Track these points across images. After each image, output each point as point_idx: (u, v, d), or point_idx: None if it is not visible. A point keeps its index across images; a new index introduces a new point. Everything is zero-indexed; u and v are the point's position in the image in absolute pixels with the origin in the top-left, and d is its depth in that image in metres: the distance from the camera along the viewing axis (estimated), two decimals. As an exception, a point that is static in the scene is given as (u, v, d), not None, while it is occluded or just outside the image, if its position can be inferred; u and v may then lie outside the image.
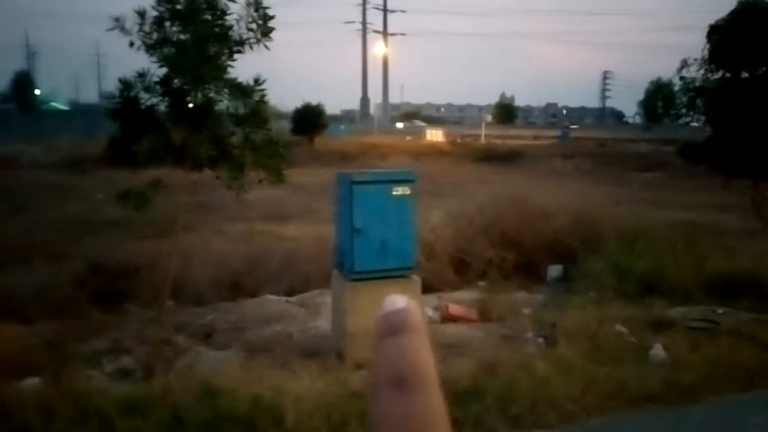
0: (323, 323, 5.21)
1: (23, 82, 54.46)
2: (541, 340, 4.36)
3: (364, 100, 58.51)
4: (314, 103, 29.87)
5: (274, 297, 6.34)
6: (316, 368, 3.92)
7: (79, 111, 44.65)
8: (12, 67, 63.70)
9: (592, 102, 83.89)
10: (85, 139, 26.28)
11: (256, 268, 7.26)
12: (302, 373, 3.75)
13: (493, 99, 69.64)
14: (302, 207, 11.51)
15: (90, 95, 65.81)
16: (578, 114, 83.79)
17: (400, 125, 47.62)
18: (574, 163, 21.62)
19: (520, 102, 72.57)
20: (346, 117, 58.57)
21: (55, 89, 63.96)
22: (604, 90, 79.89)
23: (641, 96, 53.29)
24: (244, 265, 7.30)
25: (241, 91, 4.74)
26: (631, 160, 24.03)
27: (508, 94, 69.59)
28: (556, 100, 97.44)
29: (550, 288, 5.92)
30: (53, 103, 53.95)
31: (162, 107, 4.67)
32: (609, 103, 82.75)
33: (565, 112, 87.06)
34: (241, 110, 4.81)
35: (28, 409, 3.10)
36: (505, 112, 64.22)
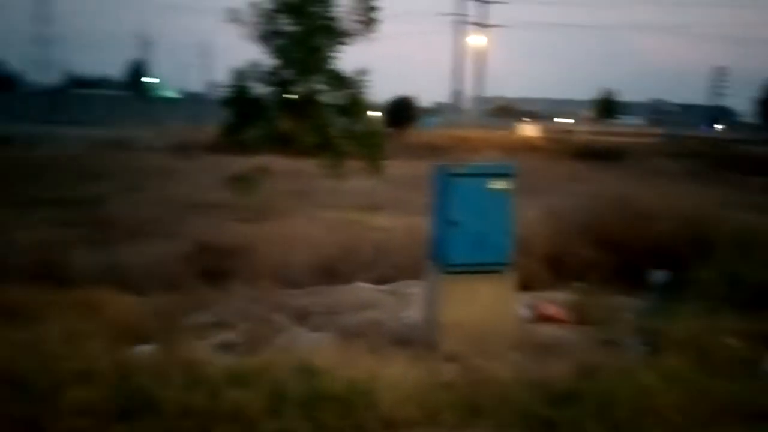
0: (414, 313, 5.25)
1: (138, 70, 58.62)
2: (643, 347, 4.17)
3: (457, 93, 58.01)
4: (407, 95, 30.04)
5: (365, 284, 6.47)
6: (407, 357, 3.97)
7: (188, 99, 47.53)
8: (129, 57, 68.92)
9: (703, 99, 78.22)
10: (192, 125, 28.03)
11: (348, 255, 7.44)
12: (394, 361, 3.81)
13: (593, 93, 66.71)
14: (393, 198, 11.60)
15: (198, 84, 69.87)
16: (687, 112, 78.50)
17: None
18: (681, 163, 20.35)
19: (622, 97, 68.76)
20: (438, 110, 58.29)
21: (167, 78, 68.49)
22: (716, 87, 74.37)
23: (757, 94, 49.19)
24: (336, 252, 7.50)
25: (344, 82, 4.87)
26: (745, 161, 22.30)
27: (610, 89, 66.30)
28: (663, 95, 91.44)
29: (653, 294, 5.63)
30: (164, 91, 57.56)
31: (270, 96, 4.90)
32: (722, 101, 76.85)
33: (672, 109, 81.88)
34: (343, 101, 4.95)
35: (142, 373, 3.35)
36: (606, 107, 61.38)
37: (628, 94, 71.35)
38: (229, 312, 5.49)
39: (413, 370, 3.59)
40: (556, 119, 54.60)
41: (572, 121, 52.66)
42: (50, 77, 58.73)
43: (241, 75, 4.85)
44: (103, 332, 4.19)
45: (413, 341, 4.45)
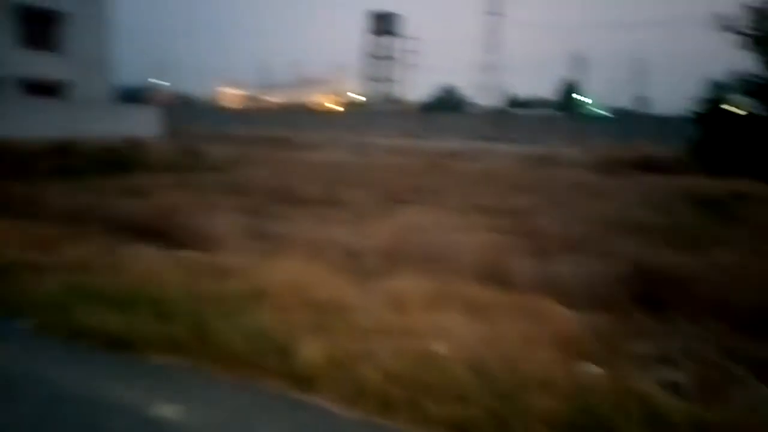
0: None
1: (570, 90, 60.90)
2: None
3: None
4: None
5: None
6: None
7: (617, 116, 46.95)
8: (562, 77, 72.34)
9: None
10: (620, 142, 27.47)
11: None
12: None
13: None
14: None
15: (629, 101, 68.38)
16: None
17: None
18: None
19: None
20: None
21: (597, 95, 69.11)
22: None
23: None
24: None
25: None
26: None
27: None
28: None
29: None
30: (594, 109, 58.29)
31: (759, 110, 4.20)
32: None
33: None
34: None
35: (594, 396, 3.26)
36: None
37: None
38: (671, 347, 4.98)
39: None
40: None
41: None
42: (493, 100, 66.44)
43: (718, 87, 4.29)
44: (548, 341, 4.31)
45: None
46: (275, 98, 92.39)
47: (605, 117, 51.35)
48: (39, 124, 22.52)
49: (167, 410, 3.41)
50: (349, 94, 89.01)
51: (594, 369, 3.92)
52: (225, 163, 19.88)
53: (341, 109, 78.94)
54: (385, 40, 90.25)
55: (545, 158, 25.78)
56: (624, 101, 68.37)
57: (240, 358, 3.76)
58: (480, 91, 73.15)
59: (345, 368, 3.43)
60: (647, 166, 17.09)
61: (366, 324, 4.13)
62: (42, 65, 28.84)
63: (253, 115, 66.97)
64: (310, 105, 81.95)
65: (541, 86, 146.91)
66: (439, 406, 2.94)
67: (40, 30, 29.06)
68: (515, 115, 55.84)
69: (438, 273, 6.26)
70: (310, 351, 3.59)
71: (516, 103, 71.10)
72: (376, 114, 64.98)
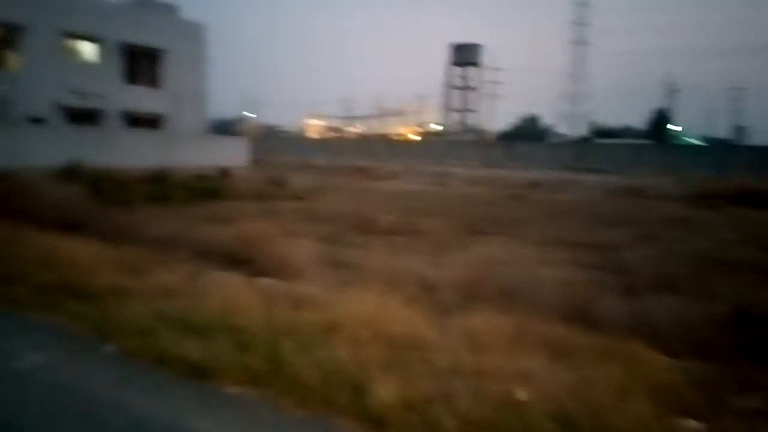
0: None
1: (661, 118, 58.37)
2: None
3: None
4: None
5: None
6: None
7: (712, 146, 44.37)
8: (653, 106, 69.38)
9: None
10: (716, 174, 25.81)
11: None
12: None
13: None
14: None
15: (725, 130, 64.50)
16: None
17: None
18: None
19: None
20: None
21: (689, 125, 65.65)
22: None
23: None
24: None
25: None
26: None
27: None
28: None
29: None
30: (686, 139, 55.59)
31: None
32: None
33: None
34: None
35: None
36: None
37: None
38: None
39: None
40: None
41: None
42: (577, 129, 64.81)
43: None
44: (641, 391, 3.97)
45: None
46: (357, 129, 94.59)
47: (699, 147, 48.65)
48: (138, 153, 24.10)
49: (239, 443, 3.39)
50: (430, 124, 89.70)
51: (694, 424, 3.55)
52: (307, 192, 20.38)
53: (420, 138, 79.56)
54: (466, 70, 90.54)
55: (634, 189, 24.63)
56: (720, 131, 64.62)
57: (313, 393, 3.70)
58: (564, 120, 71.62)
59: (419, 410, 3.28)
60: (746, 199, 15.96)
61: (442, 363, 3.97)
62: (142, 99, 31.01)
63: (336, 145, 68.75)
64: (391, 135, 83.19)
65: (630, 115, 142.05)
66: (519, 459, 2.73)
67: (141, 66, 31.35)
68: (601, 144, 53.99)
69: (519, 310, 5.99)
70: (384, 390, 3.48)
71: (602, 132, 68.82)
72: (456, 143, 64.94)
